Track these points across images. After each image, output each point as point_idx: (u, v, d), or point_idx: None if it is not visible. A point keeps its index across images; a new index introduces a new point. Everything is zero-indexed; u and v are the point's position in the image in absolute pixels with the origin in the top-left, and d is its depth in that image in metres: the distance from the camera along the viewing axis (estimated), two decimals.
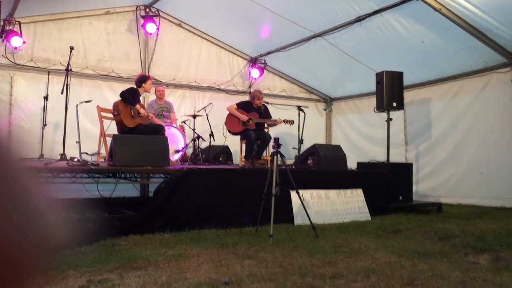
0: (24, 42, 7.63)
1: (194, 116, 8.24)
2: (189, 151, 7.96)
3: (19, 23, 7.56)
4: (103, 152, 6.46)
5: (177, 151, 7.01)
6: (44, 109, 7.40)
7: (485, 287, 3.00)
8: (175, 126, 7.34)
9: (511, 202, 7.14)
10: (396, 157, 8.64)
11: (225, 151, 8.53)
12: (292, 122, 7.36)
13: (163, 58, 9.24)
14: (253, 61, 10.27)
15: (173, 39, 9.37)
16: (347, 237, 4.87)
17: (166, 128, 6.82)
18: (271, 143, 5.90)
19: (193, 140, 7.87)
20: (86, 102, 7.03)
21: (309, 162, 6.97)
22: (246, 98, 9.56)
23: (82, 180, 5.72)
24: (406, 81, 7.93)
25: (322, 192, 6.22)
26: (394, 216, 6.48)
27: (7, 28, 7.44)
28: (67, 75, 6.42)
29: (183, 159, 7.44)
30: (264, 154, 7.78)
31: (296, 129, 7.91)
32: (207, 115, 8.09)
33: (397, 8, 7.00)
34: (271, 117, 7.43)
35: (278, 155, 4.99)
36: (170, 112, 7.78)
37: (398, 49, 7.95)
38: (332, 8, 7.60)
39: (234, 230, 5.19)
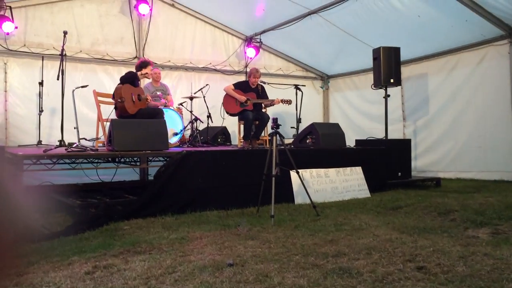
0: (16, 27, 7.51)
1: (191, 98, 8.19)
2: (187, 133, 7.95)
3: (10, 8, 7.44)
4: (102, 137, 6.44)
5: (176, 134, 7.00)
6: (40, 95, 7.34)
7: (486, 261, 3.04)
8: (172, 108, 7.30)
9: (510, 175, 7.20)
10: (394, 133, 8.65)
11: (223, 132, 8.53)
12: (290, 102, 7.33)
13: (158, 39, 9.13)
14: (249, 40, 10.17)
15: (167, 19, 9.24)
16: (347, 215, 4.92)
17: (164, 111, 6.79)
18: (270, 123, 5.90)
19: (191, 122, 7.85)
20: (82, 87, 6.97)
21: (307, 141, 6.98)
22: (242, 78, 9.52)
23: (82, 166, 5.73)
24: (403, 56, 7.89)
25: (321, 171, 6.25)
26: (394, 193, 6.53)
27: None
28: (62, 60, 6.36)
29: (182, 141, 7.44)
30: (262, 134, 7.78)
31: (293, 108, 7.89)
32: (204, 97, 8.05)
33: None
34: (268, 97, 7.40)
35: (277, 135, 4.99)
36: (166, 95, 7.73)
37: (395, 24, 7.87)
38: None
39: (235, 211, 5.24)
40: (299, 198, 5.77)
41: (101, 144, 6.37)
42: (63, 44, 6.51)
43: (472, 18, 6.98)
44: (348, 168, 6.53)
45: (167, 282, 2.76)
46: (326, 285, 2.64)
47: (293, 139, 7.83)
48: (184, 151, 5.46)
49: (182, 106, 8.00)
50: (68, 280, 2.84)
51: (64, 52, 6.52)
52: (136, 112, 6.16)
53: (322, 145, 6.73)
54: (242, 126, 7.41)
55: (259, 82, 7.38)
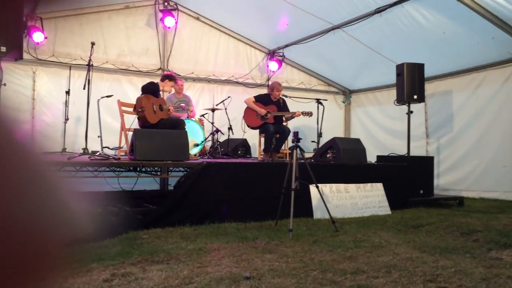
0: (45, 37, 7.75)
1: (213, 110, 8.26)
2: (208, 144, 8.00)
3: (41, 18, 7.68)
4: (124, 146, 6.54)
5: (196, 145, 7.06)
6: (66, 103, 7.51)
7: (509, 284, 2.96)
8: (194, 119, 7.38)
9: None
10: (417, 150, 8.53)
11: (243, 145, 8.55)
12: (310, 114, 7.31)
13: (182, 51, 9.28)
14: (271, 54, 10.23)
15: (191, 32, 9.39)
16: (367, 231, 4.85)
17: (185, 122, 6.86)
18: (290, 137, 5.89)
19: (212, 133, 7.91)
20: (107, 97, 7.11)
21: (328, 155, 6.94)
22: (264, 91, 9.55)
23: (104, 174, 5.81)
24: (427, 72, 7.80)
25: (341, 186, 6.19)
26: (415, 210, 6.41)
27: (29, 24, 7.56)
28: (88, 70, 6.51)
29: (202, 152, 7.49)
30: (283, 147, 7.77)
31: (314, 122, 7.87)
32: (225, 109, 8.10)
33: None
34: (289, 111, 7.41)
35: (298, 149, 4.98)
36: (189, 106, 7.82)
37: (419, 40, 7.82)
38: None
39: (254, 224, 5.22)
40: (318, 213, 5.72)
41: (123, 153, 6.46)
42: (90, 55, 6.66)
43: (499, 36, 6.88)
44: (369, 184, 6.45)
45: None
46: None
47: (313, 153, 7.80)
48: (204, 162, 5.50)
49: (204, 117, 8.08)
50: (86, 286, 2.87)
51: (91, 63, 6.67)
52: (157, 121, 6.25)
53: (343, 160, 6.67)
54: (262, 139, 7.42)
55: (280, 96, 7.40)
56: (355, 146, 7.12)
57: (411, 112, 7.63)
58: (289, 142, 7.59)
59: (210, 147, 7.91)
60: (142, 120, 6.29)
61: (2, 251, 0.39)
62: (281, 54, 10.18)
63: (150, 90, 6.33)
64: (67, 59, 8.00)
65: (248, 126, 7.38)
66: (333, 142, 6.96)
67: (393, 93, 8.22)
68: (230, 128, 8.10)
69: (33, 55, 7.71)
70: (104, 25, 8.45)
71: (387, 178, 6.68)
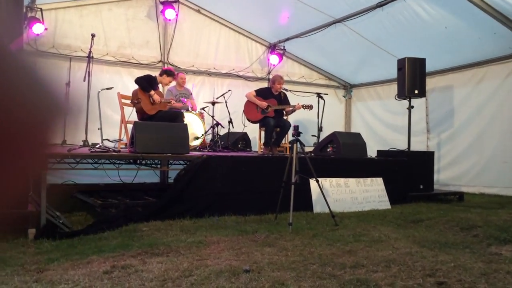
0: (46, 29, 7.70)
1: (213, 103, 8.24)
2: (208, 138, 7.99)
3: (41, 10, 7.63)
4: (124, 138, 6.53)
5: (197, 138, 7.05)
6: (66, 95, 7.47)
7: (508, 279, 2.96)
8: (194, 113, 7.36)
9: None
10: (418, 145, 8.52)
11: (244, 138, 8.54)
12: (311, 107, 7.30)
13: (182, 44, 9.24)
14: (272, 48, 10.19)
15: (192, 25, 9.34)
16: (366, 226, 4.86)
17: (185, 115, 6.86)
18: (291, 131, 5.89)
19: (212, 127, 7.89)
20: (107, 89, 7.09)
21: (328, 150, 6.93)
22: (265, 84, 9.53)
23: (104, 166, 5.82)
24: (429, 67, 7.77)
25: (341, 180, 6.19)
26: (415, 205, 6.42)
27: (29, 15, 7.52)
28: (89, 62, 6.49)
29: (202, 145, 7.49)
30: (283, 141, 7.76)
31: (315, 116, 7.85)
32: (226, 102, 8.09)
33: None
34: (290, 104, 7.39)
35: (298, 143, 4.97)
36: (188, 99, 7.81)
37: (421, 34, 7.78)
38: None
39: (254, 218, 5.23)
40: (318, 207, 5.73)
41: (123, 146, 6.46)
42: (91, 47, 6.65)
43: (501, 31, 6.84)
44: (369, 179, 6.46)
45: (183, 285, 2.77)
46: None
47: (313, 147, 7.79)
48: (204, 156, 5.50)
49: (204, 110, 8.06)
50: (86, 278, 2.87)
51: (91, 54, 6.65)
52: (155, 113, 6.25)
53: (343, 155, 6.67)
54: (263, 133, 7.41)
55: (281, 90, 7.38)
56: (356, 141, 7.11)
57: (412, 107, 7.61)
58: (289, 136, 7.58)
59: (210, 141, 7.90)
60: (139, 112, 6.29)
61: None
62: (282, 47, 10.14)
63: (144, 85, 6.31)
64: (67, 50, 7.97)
65: (248, 120, 7.37)
66: (334, 136, 6.95)
67: (394, 88, 8.20)
68: (230, 122, 8.08)
69: (33, 47, 7.67)
70: (105, 17, 8.40)
71: (387, 173, 6.68)
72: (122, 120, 6.61)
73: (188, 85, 8.28)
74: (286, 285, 2.76)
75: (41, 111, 0.49)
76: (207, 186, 5.33)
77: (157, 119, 6.20)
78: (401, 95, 7.67)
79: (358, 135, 7.39)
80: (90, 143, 6.51)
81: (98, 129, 6.99)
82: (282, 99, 7.36)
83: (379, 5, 7.44)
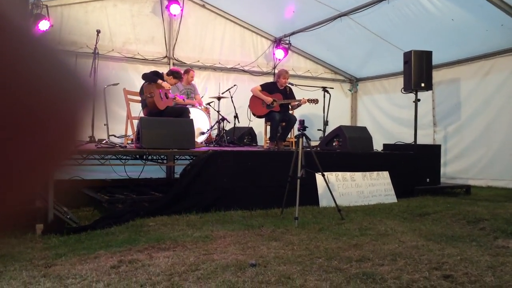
0: (51, 25, 7.73)
1: (219, 98, 8.25)
2: (214, 132, 8.00)
3: (47, 6, 7.65)
4: (130, 134, 6.56)
5: (202, 133, 7.06)
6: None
7: None
8: (199, 108, 7.37)
9: None
10: (424, 138, 8.48)
11: (249, 133, 8.54)
12: (316, 101, 7.28)
13: (187, 39, 9.23)
14: (278, 42, 10.15)
15: (197, 20, 9.33)
16: (373, 219, 4.85)
17: (191, 110, 6.87)
18: (296, 125, 5.87)
19: (218, 122, 7.90)
20: (113, 85, 7.11)
21: (334, 144, 6.92)
22: (270, 79, 9.52)
23: (110, 162, 5.85)
24: (435, 60, 7.71)
25: (347, 175, 6.18)
26: (421, 199, 6.40)
27: (35, 12, 7.54)
28: (94, 58, 6.50)
29: (208, 140, 7.50)
30: (289, 135, 7.75)
31: (321, 110, 7.83)
32: (231, 97, 8.08)
33: None
34: (295, 99, 7.38)
35: (304, 137, 4.97)
36: (195, 94, 7.82)
37: (427, 27, 7.72)
38: None
39: (260, 212, 5.24)
40: (324, 201, 5.72)
41: (129, 141, 6.48)
42: (96, 43, 6.66)
43: (508, 23, 6.78)
44: (375, 173, 6.44)
45: (189, 280, 2.78)
46: None
47: (319, 142, 7.78)
48: (210, 151, 5.51)
49: (210, 106, 8.06)
50: (94, 273, 2.90)
51: (96, 51, 6.66)
52: (164, 108, 6.29)
53: (349, 149, 6.65)
54: (268, 127, 7.41)
55: (287, 84, 7.37)
56: (362, 135, 7.09)
57: (419, 100, 7.57)
58: (295, 131, 7.57)
59: (216, 136, 7.91)
60: (150, 106, 6.31)
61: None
62: (287, 42, 10.11)
63: (150, 76, 6.35)
64: (73, 47, 7.99)
65: (254, 115, 7.36)
66: (339, 131, 6.94)
67: (400, 81, 8.15)
68: (236, 117, 8.08)
69: None
70: (110, 13, 8.41)
71: (394, 167, 6.66)
72: (128, 116, 6.64)
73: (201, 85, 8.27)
74: (292, 279, 2.77)
75: (72, 99, 0.48)
76: (213, 181, 5.35)
77: (165, 115, 6.23)
78: (407, 88, 7.63)
79: (364, 129, 7.37)
80: (96, 139, 6.54)
81: (104, 125, 7.01)
82: (288, 94, 7.34)
83: None
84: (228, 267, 3.01)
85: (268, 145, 7.31)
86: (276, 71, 8.96)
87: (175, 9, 8.66)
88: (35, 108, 0.42)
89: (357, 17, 8.33)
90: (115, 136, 7.00)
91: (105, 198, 5.58)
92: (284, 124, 7.27)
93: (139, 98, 6.64)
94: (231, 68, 9.69)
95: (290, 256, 3.30)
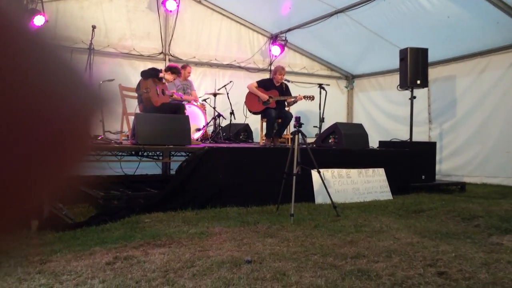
0: (46, 21, 7.67)
1: (215, 94, 8.23)
2: (210, 129, 7.99)
3: (42, 1, 7.60)
4: (126, 130, 6.54)
5: (198, 130, 7.05)
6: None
7: (509, 269, 2.97)
8: (196, 104, 7.36)
9: None
10: (420, 135, 8.50)
11: (245, 129, 8.54)
12: (312, 98, 7.28)
13: (184, 35, 9.20)
14: (274, 38, 10.14)
15: (193, 16, 9.30)
16: (368, 216, 4.87)
17: (187, 106, 6.86)
18: (292, 122, 5.88)
19: (214, 118, 7.89)
20: (108, 81, 7.07)
21: (330, 141, 6.93)
22: (266, 75, 9.52)
23: (106, 158, 5.83)
24: (431, 57, 7.73)
25: (343, 171, 6.20)
26: (416, 196, 6.43)
27: (30, 7, 7.49)
28: (90, 54, 6.48)
29: (204, 137, 7.49)
30: (285, 132, 7.75)
31: (317, 107, 7.84)
32: (227, 93, 8.08)
33: None
34: (291, 95, 7.38)
35: (299, 134, 4.97)
36: (191, 90, 7.80)
37: (423, 25, 7.73)
38: None
39: (255, 209, 5.25)
40: (320, 197, 5.74)
41: (125, 138, 6.47)
42: (92, 38, 6.63)
43: (504, 20, 6.80)
44: (371, 169, 6.46)
45: (185, 276, 2.78)
46: (344, 286, 2.62)
47: (315, 138, 7.79)
48: (206, 147, 5.50)
49: (206, 102, 8.05)
50: (89, 269, 2.89)
51: (92, 46, 6.64)
52: (160, 105, 6.28)
53: (345, 145, 6.66)
54: (264, 124, 7.41)
55: (283, 81, 7.37)
56: (357, 131, 7.10)
57: (414, 97, 7.59)
58: (291, 127, 7.58)
59: (212, 132, 7.91)
60: (145, 102, 6.29)
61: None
62: (283, 38, 10.10)
63: (151, 75, 6.35)
64: (68, 42, 7.95)
65: (250, 111, 7.36)
66: (335, 127, 6.95)
67: (396, 78, 8.17)
68: (232, 113, 8.07)
69: None
70: (105, 9, 8.36)
71: (389, 164, 6.68)
72: (123, 112, 6.61)
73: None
74: (287, 276, 2.78)
75: (82, 101, 0.47)
76: (209, 178, 5.35)
77: (161, 111, 6.21)
78: (403, 85, 7.64)
79: (360, 126, 7.38)
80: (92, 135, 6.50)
81: (100, 121, 6.93)
82: (284, 90, 7.34)
83: None
84: (224, 263, 3.02)
85: (264, 141, 7.31)
86: (273, 67, 8.96)
87: (171, 5, 8.63)
88: (40, 106, 0.41)
89: (353, 14, 8.33)
90: (110, 132, 6.97)
91: (100, 194, 5.56)
92: (280, 120, 7.28)
93: (135, 94, 6.62)
94: (227, 64, 9.67)
95: (286, 253, 3.31)
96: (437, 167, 7.70)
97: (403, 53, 7.57)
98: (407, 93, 7.70)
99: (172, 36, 9.02)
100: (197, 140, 6.87)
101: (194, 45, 9.34)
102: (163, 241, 3.66)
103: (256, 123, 8.29)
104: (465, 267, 2.98)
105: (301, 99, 7.18)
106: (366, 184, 6.28)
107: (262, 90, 7.18)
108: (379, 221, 4.61)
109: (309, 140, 6.82)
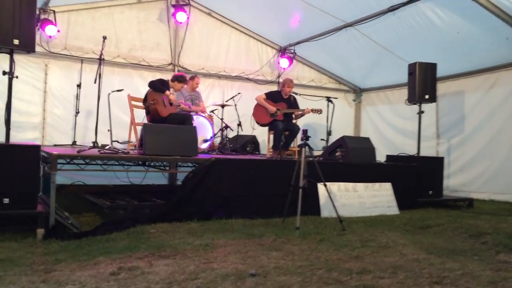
0: (58, 31, 7.79)
1: (223, 106, 8.27)
2: (217, 140, 8.01)
3: (54, 12, 7.73)
4: (134, 140, 6.58)
5: (205, 141, 7.07)
6: (77, 97, 7.57)
7: None
8: (203, 115, 7.39)
9: None
10: (427, 150, 8.45)
11: (252, 141, 8.55)
12: (320, 111, 7.29)
13: (193, 47, 9.28)
14: (282, 51, 10.19)
15: (203, 28, 9.38)
16: (374, 231, 4.83)
17: (195, 117, 6.89)
18: (299, 135, 5.88)
19: (221, 129, 7.91)
20: (117, 91, 7.14)
21: (337, 154, 6.91)
22: (275, 88, 9.55)
23: (113, 167, 5.85)
24: (440, 72, 7.72)
25: (349, 185, 6.17)
26: (423, 211, 6.37)
27: (42, 17, 7.61)
28: (100, 64, 6.55)
29: (211, 148, 7.50)
30: (292, 145, 7.75)
31: (324, 120, 7.82)
32: (235, 105, 8.11)
33: None
34: (299, 108, 7.39)
35: (306, 147, 4.96)
36: (199, 101, 7.84)
37: (432, 40, 7.72)
38: None
39: (261, 221, 5.23)
40: (326, 211, 5.71)
41: (132, 147, 6.50)
42: (102, 49, 6.70)
43: None
44: (377, 184, 6.42)
45: None
46: None
47: (322, 151, 7.77)
48: (212, 158, 5.51)
49: (213, 113, 8.08)
50: (93, 280, 2.89)
51: (102, 56, 6.70)
52: (167, 115, 6.32)
53: (352, 159, 6.64)
54: (271, 136, 7.41)
55: (291, 93, 7.39)
56: (365, 145, 7.08)
57: (422, 112, 7.57)
58: (298, 140, 7.58)
59: (219, 143, 7.92)
60: (152, 113, 6.34)
61: None
62: (292, 51, 10.14)
63: (158, 86, 6.40)
64: (79, 52, 8.05)
65: (257, 123, 7.37)
66: (342, 141, 6.93)
67: (404, 93, 8.15)
68: (239, 124, 8.10)
69: (46, 48, 7.76)
70: (117, 19, 8.47)
71: (396, 178, 6.64)
72: (131, 122, 6.66)
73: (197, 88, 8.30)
74: None
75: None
76: (215, 189, 5.35)
77: (168, 122, 6.25)
78: (411, 100, 7.63)
79: (367, 140, 7.36)
80: (99, 144, 6.56)
81: (108, 130, 7.04)
82: (292, 103, 7.36)
83: (391, 10, 7.40)
84: (228, 276, 3.00)
85: (271, 153, 7.31)
86: (281, 80, 8.98)
87: (181, 16, 8.72)
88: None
89: (362, 28, 8.35)
90: (118, 142, 7.02)
91: (106, 204, 5.58)
92: (287, 133, 7.28)
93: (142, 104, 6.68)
94: (236, 76, 9.72)
95: (291, 267, 3.29)
96: (445, 182, 7.64)
97: (412, 68, 7.56)
98: (415, 107, 7.68)
99: (181, 48, 9.10)
100: (204, 151, 6.89)
101: (203, 57, 9.41)
102: (168, 252, 3.66)
103: (263, 135, 8.30)
104: (472, 285, 2.94)
105: (308, 112, 7.19)
106: (373, 199, 6.24)
107: (270, 102, 7.20)
108: (386, 236, 4.57)
109: (316, 153, 6.81)
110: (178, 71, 8.88)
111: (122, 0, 8.52)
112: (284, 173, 5.42)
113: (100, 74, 6.51)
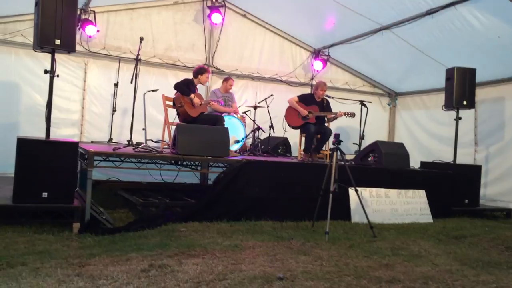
0: (98, 31, 8.02)
1: (255, 107, 8.30)
2: (249, 141, 8.05)
3: (94, 12, 7.96)
4: (167, 139, 6.69)
5: (237, 142, 7.12)
6: (114, 95, 7.78)
7: None
8: (236, 116, 7.44)
9: None
10: (464, 157, 8.20)
11: (284, 143, 8.53)
12: (353, 115, 7.21)
13: (227, 48, 9.36)
14: (316, 53, 10.13)
15: (237, 29, 9.45)
16: (406, 239, 4.74)
17: (227, 118, 6.94)
18: (331, 138, 5.83)
19: (253, 131, 7.94)
20: (153, 91, 7.29)
21: (369, 159, 6.82)
22: (307, 90, 9.51)
23: (147, 166, 5.98)
24: (479, 77, 7.48)
25: (382, 191, 6.07)
26: (458, 220, 6.20)
27: (83, 17, 7.85)
28: (136, 64, 6.70)
29: (242, 149, 7.54)
30: (323, 148, 7.70)
31: (357, 123, 7.75)
32: (267, 106, 8.12)
33: (473, 0, 6.59)
34: (332, 111, 7.34)
35: (338, 151, 4.92)
36: (232, 102, 7.90)
37: (472, 44, 7.50)
38: (402, 0, 7.31)
39: (290, 224, 5.22)
40: (356, 216, 5.64)
41: (166, 146, 6.62)
42: (139, 49, 6.85)
43: None
44: (411, 191, 6.30)
45: None
46: None
47: (354, 156, 7.68)
48: (243, 160, 5.54)
49: (246, 114, 8.12)
50: (125, 275, 2.97)
51: (139, 57, 6.86)
52: (198, 115, 6.38)
53: (385, 165, 6.54)
54: (303, 139, 7.39)
55: (324, 96, 7.35)
56: (398, 151, 6.95)
57: (460, 118, 7.36)
58: (330, 143, 7.52)
59: (251, 144, 7.95)
60: (183, 115, 6.43)
61: None
62: (326, 53, 10.06)
63: (183, 89, 6.44)
64: (117, 52, 8.26)
65: (289, 125, 7.36)
66: (375, 146, 6.84)
67: (441, 97, 7.95)
68: (271, 126, 8.11)
69: (85, 48, 8.00)
70: (154, 20, 8.65)
71: (431, 186, 6.49)
72: (165, 122, 6.77)
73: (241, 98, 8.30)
74: None
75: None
76: (245, 190, 5.38)
77: (200, 122, 6.33)
78: (448, 105, 7.44)
79: (401, 145, 7.23)
80: (134, 142, 6.71)
81: (143, 129, 7.20)
82: (325, 106, 7.31)
83: (429, 13, 7.23)
84: (256, 278, 3.02)
85: (302, 156, 7.29)
86: (314, 82, 8.94)
87: (216, 18, 8.81)
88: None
89: (399, 31, 8.20)
90: (152, 140, 7.16)
91: (139, 201, 5.71)
92: (319, 136, 7.24)
93: None
94: (269, 77, 9.73)
95: (319, 272, 3.27)
96: (482, 191, 7.41)
97: (450, 73, 7.37)
98: (453, 113, 7.48)
99: (216, 48, 9.19)
100: (235, 152, 6.94)
101: (237, 58, 9.47)
102: (197, 251, 3.71)
103: (295, 137, 8.28)
104: None
105: (341, 115, 7.13)
106: (406, 206, 6.12)
107: (303, 105, 7.17)
108: (418, 245, 4.47)
109: (348, 157, 6.74)
110: (212, 71, 8.97)
111: (159, 1, 8.69)
112: (315, 177, 5.40)
113: (136, 74, 6.66)
